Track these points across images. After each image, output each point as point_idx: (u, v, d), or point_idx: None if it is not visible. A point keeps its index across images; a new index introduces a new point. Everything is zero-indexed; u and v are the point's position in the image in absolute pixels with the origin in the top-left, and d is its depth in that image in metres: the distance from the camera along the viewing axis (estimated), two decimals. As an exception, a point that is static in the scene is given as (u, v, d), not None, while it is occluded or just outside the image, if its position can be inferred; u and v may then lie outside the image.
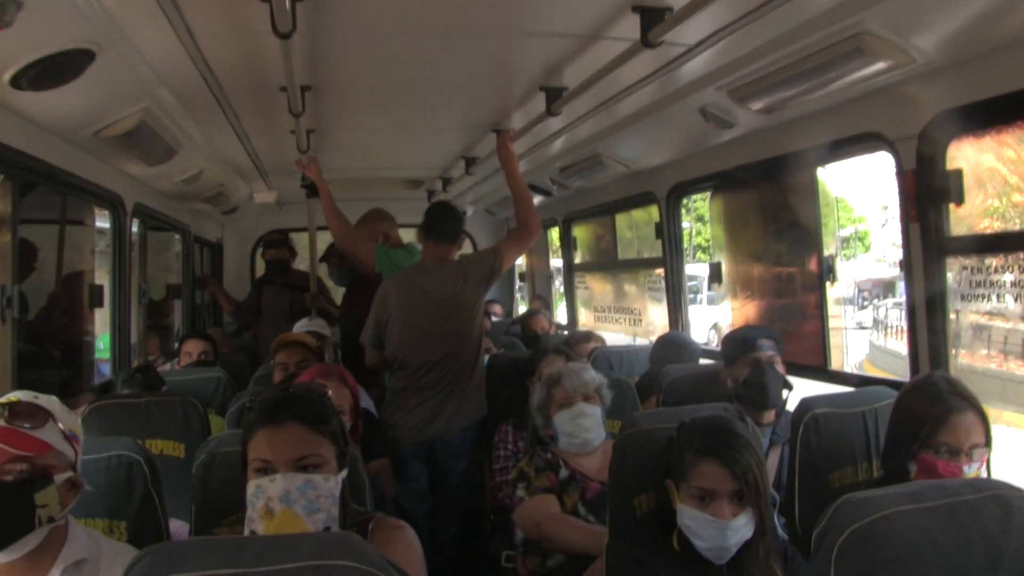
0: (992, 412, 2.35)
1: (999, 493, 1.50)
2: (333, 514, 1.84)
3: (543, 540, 2.90)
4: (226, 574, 1.13)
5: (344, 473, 1.91)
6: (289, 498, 1.78)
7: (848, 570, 1.38)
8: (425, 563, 1.96)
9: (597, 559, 2.68)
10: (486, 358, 4.74)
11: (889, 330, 20.15)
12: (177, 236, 6.23)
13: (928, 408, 2.26)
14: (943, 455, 2.21)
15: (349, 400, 3.03)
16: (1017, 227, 2.64)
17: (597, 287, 6.58)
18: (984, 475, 2.20)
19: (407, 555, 1.91)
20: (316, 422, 1.89)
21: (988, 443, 2.23)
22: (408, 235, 6.18)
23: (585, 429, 3.06)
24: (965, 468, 2.18)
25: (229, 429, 3.15)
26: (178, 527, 2.48)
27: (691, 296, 5.33)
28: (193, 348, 4.80)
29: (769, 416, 3.20)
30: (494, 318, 7.17)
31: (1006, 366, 2.71)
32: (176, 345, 5.69)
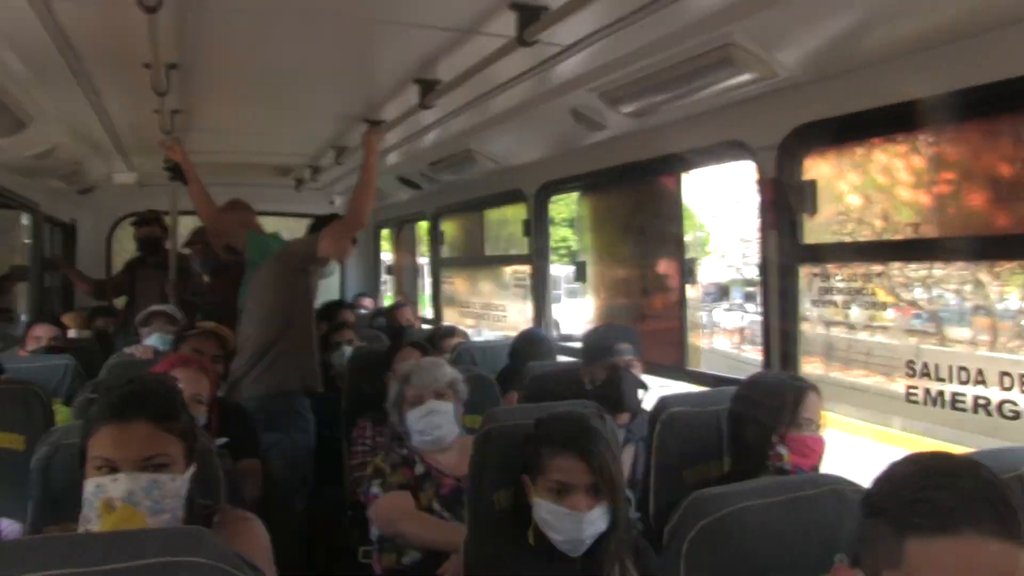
0: (833, 417, 2.52)
1: (836, 487, 1.58)
2: (178, 514, 1.74)
3: (398, 537, 2.88)
4: (66, 574, 1.07)
5: (192, 470, 1.84)
6: (133, 499, 1.69)
7: (698, 562, 1.42)
8: (272, 554, 1.91)
9: (452, 555, 2.69)
10: (348, 351, 4.73)
11: (716, 331, 20.89)
12: (25, 215, 5.88)
13: (784, 393, 2.39)
14: (808, 429, 2.36)
15: (208, 390, 2.93)
16: (862, 239, 2.79)
17: (464, 282, 6.59)
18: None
19: (254, 547, 1.85)
20: (165, 419, 1.78)
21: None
22: (273, 224, 6.05)
23: (436, 427, 3.03)
24: (819, 439, 2.37)
25: (76, 420, 3.00)
26: (7, 526, 2.33)
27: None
28: (43, 333, 4.56)
29: (625, 417, 3.28)
30: (362, 311, 7.09)
31: (848, 373, 2.86)
32: (19, 330, 5.38)
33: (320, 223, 4.40)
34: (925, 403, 2.51)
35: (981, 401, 2.35)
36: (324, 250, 4.17)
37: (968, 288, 2.63)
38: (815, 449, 2.35)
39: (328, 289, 7.30)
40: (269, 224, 5.44)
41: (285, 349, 4.15)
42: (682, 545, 1.44)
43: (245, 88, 4.02)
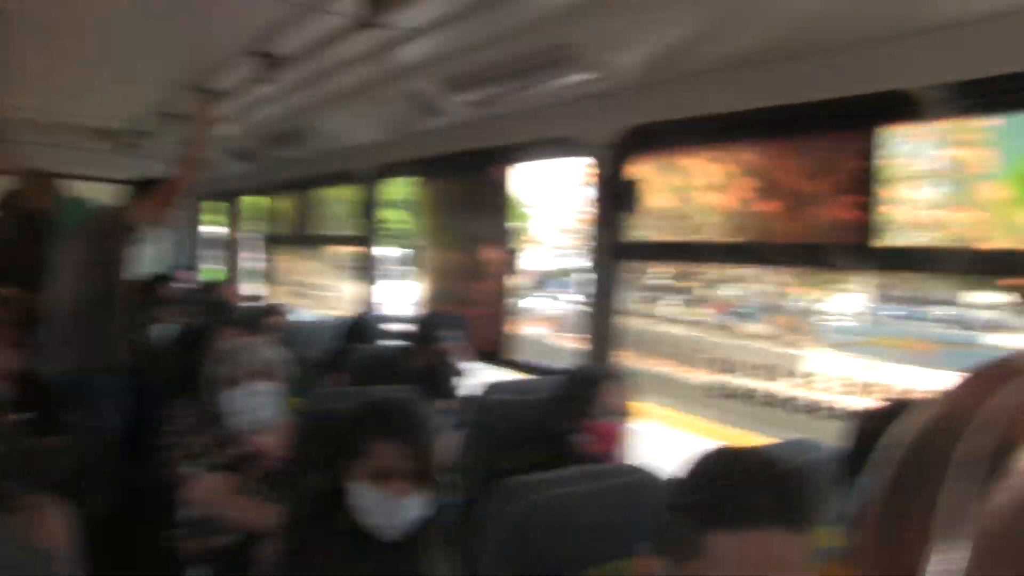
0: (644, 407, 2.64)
1: (641, 477, 1.67)
2: None
3: (213, 518, 2.81)
4: None
5: None
6: None
7: (508, 548, 1.47)
8: (74, 537, 1.83)
9: (268, 538, 2.64)
10: (162, 328, 4.61)
11: (534, 319, 21.25)
12: None
13: (587, 382, 2.51)
14: (605, 416, 2.45)
15: (11, 362, 2.77)
16: (678, 239, 2.94)
17: (293, 261, 6.46)
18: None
19: (53, 531, 1.77)
20: None
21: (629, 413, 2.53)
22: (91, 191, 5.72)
23: (256, 407, 2.95)
24: (621, 427, 2.47)
25: None
26: None
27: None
28: None
29: (445, 403, 3.32)
30: (183, 285, 6.82)
31: (659, 365, 3.02)
32: None
33: (139, 189, 4.21)
34: (726, 397, 2.67)
35: (772, 396, 2.53)
36: (138, 217, 3.99)
37: (771, 289, 2.83)
38: (612, 436, 2.46)
39: (148, 262, 6.99)
40: (87, 191, 5.15)
41: (96, 322, 3.95)
42: (493, 531, 1.48)
43: (66, 43, 3.78)
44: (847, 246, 2.43)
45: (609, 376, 2.54)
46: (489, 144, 3.76)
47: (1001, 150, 2.55)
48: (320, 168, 5.46)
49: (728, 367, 2.67)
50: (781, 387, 2.52)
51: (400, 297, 5.60)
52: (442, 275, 4.53)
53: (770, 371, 2.59)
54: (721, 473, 1.18)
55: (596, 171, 3.04)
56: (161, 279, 6.16)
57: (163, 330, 4.68)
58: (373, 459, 2.11)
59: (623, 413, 2.50)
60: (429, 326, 3.40)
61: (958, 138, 2.60)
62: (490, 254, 4.09)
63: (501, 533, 1.48)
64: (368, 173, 4.86)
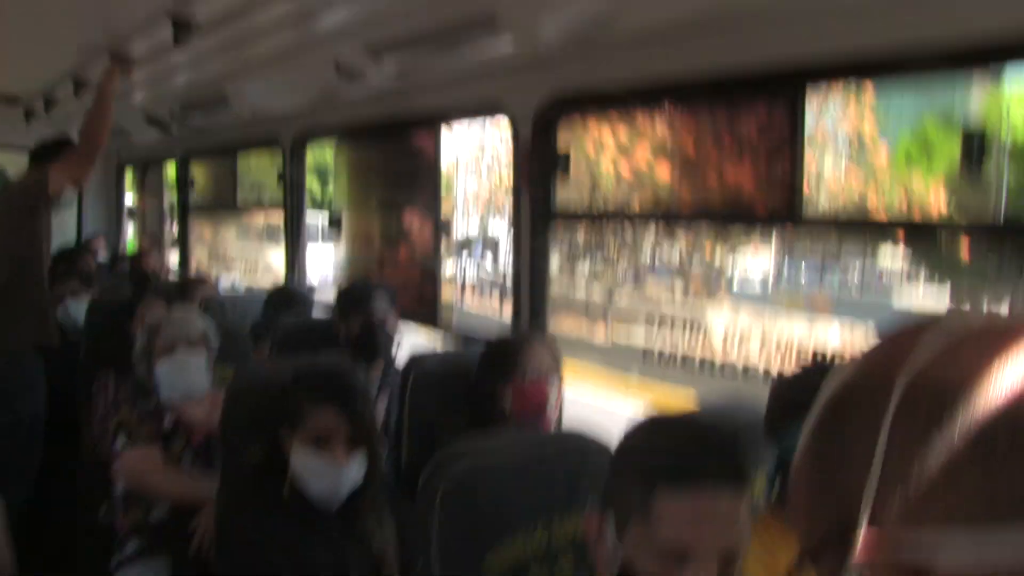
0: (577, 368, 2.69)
1: (580, 443, 1.71)
2: None
3: (146, 492, 2.78)
4: None
5: None
6: None
7: (450, 514, 1.50)
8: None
9: (203, 510, 2.63)
10: (75, 304, 4.51)
11: (459, 285, 21.26)
12: None
13: (512, 345, 2.54)
14: (533, 376, 2.48)
15: None
16: (604, 204, 2.99)
17: (215, 230, 6.34)
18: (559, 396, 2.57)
19: None
20: None
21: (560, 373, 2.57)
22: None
23: (186, 379, 2.92)
24: (548, 387, 2.49)
25: None
26: None
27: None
28: None
29: (378, 370, 3.32)
30: (100, 258, 6.64)
31: (586, 331, 3.08)
32: None
33: (43, 152, 4.06)
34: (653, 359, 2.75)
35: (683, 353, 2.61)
36: (55, 184, 3.85)
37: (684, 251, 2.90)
38: (537, 397, 2.48)
39: (65, 231, 6.80)
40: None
41: (14, 301, 3.82)
42: (434, 500, 1.51)
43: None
44: (768, 209, 2.51)
45: (535, 337, 2.58)
46: (413, 110, 3.75)
47: (890, 120, 2.69)
48: (242, 134, 5.36)
49: (642, 325, 2.74)
50: (691, 344, 2.60)
51: (324, 264, 5.55)
52: (365, 242, 4.51)
53: (681, 328, 2.67)
54: (666, 435, 1.23)
55: (522, 137, 3.06)
56: (80, 250, 6.00)
57: (71, 308, 4.57)
58: (311, 425, 2.12)
59: (551, 373, 2.53)
60: (358, 294, 3.38)
61: (854, 111, 2.73)
62: (414, 220, 4.09)
63: (445, 501, 1.51)
64: (290, 139, 4.79)
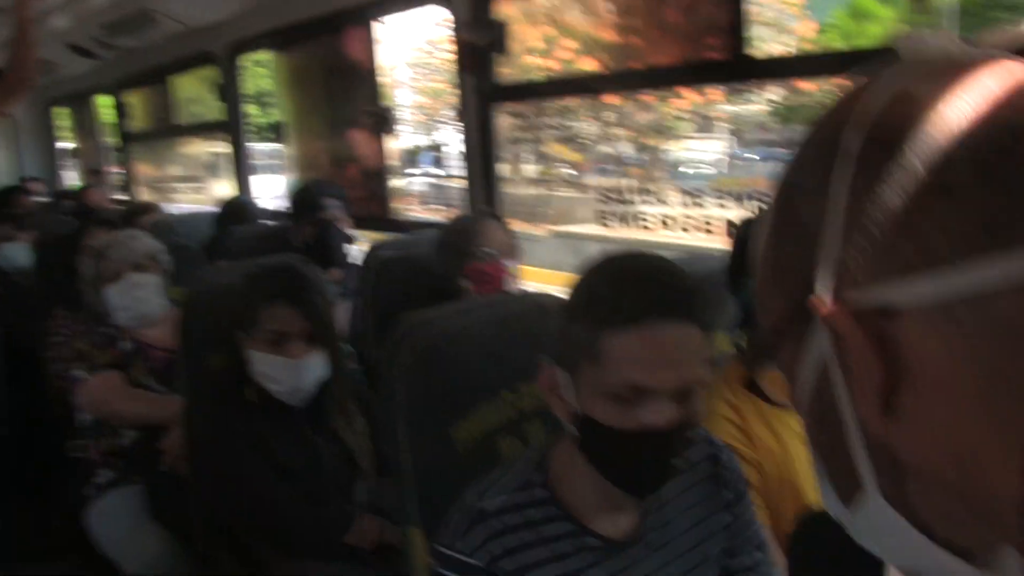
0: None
1: (540, 301, 1.67)
2: None
3: (112, 417, 2.73)
4: None
5: None
6: None
7: (415, 383, 1.46)
8: None
9: (170, 429, 2.60)
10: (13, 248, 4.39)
11: (400, 199, 20.90)
12: None
13: (466, 227, 2.46)
14: (487, 258, 2.43)
15: None
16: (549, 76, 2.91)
17: (157, 157, 6.16)
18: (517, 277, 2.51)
19: None
20: None
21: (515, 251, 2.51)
22: None
23: (140, 301, 2.84)
24: (506, 263, 2.44)
25: None
26: None
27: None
28: None
29: (336, 273, 3.27)
30: (35, 197, 6.43)
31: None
32: None
33: None
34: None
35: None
36: None
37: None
38: (494, 276, 2.43)
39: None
40: None
41: None
42: (399, 370, 1.47)
43: None
44: (719, 61, 2.44)
45: (489, 217, 2.52)
46: (345, 3, 3.60)
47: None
48: (175, 54, 5.15)
49: (585, 220, 2.70)
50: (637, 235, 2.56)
51: (271, 193, 5.44)
52: (311, 164, 4.40)
53: (624, 221, 2.63)
54: (610, 274, 1.19)
55: (461, 16, 2.95)
56: (14, 191, 5.81)
57: (21, 247, 4.44)
58: (267, 324, 2.07)
59: (507, 253, 2.48)
60: (309, 195, 3.29)
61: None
62: (358, 137, 3.98)
63: (409, 369, 1.47)
64: (224, 51, 4.61)
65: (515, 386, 1.58)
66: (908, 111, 0.48)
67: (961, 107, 0.46)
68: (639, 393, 1.14)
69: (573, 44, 2.80)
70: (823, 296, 0.49)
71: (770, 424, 1.73)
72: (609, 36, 2.72)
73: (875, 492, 0.51)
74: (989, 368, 0.43)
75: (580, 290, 1.22)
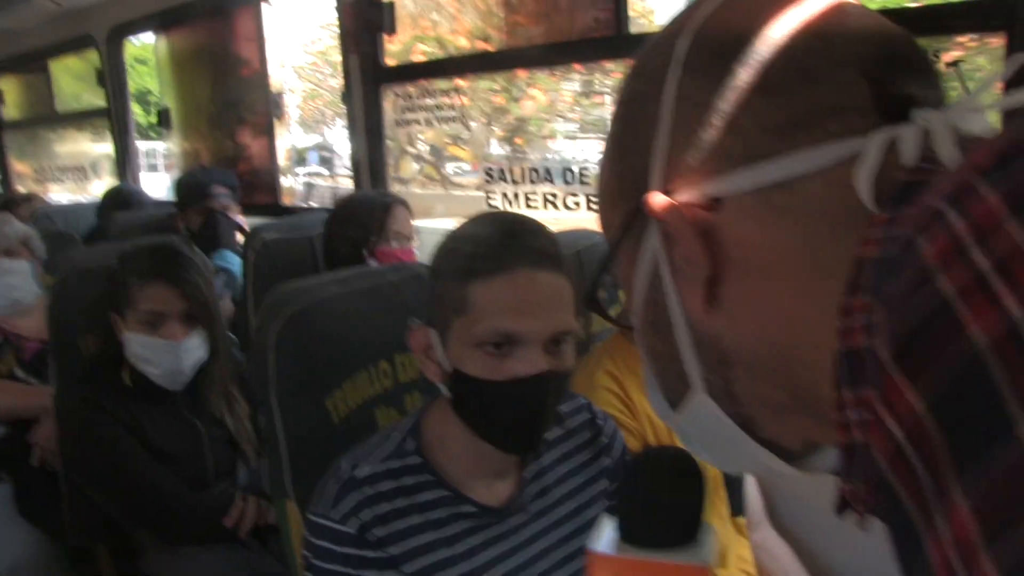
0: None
1: (417, 272, 1.65)
2: None
3: None
4: None
5: None
6: None
7: (287, 351, 1.42)
8: None
9: (43, 418, 2.48)
10: None
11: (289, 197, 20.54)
12: None
13: (372, 208, 2.41)
14: (397, 242, 2.40)
15: None
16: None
17: (35, 145, 5.89)
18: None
19: None
20: None
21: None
22: None
23: (10, 288, 2.71)
24: (414, 249, 2.44)
25: None
26: None
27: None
28: None
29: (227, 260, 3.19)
30: None
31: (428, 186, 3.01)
32: None
33: None
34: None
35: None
36: None
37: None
38: (403, 260, 2.40)
39: None
40: None
41: None
42: (271, 338, 1.43)
43: None
44: (603, 39, 2.47)
45: (394, 201, 2.47)
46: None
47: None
48: (50, 37, 4.94)
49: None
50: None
51: (154, 191, 5.28)
52: (201, 132, 4.28)
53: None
54: (475, 229, 1.19)
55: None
56: None
57: None
58: (143, 306, 2.00)
59: (410, 239, 2.46)
60: (198, 182, 3.19)
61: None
62: (246, 125, 3.89)
63: (281, 337, 1.43)
64: (104, 33, 4.44)
65: (392, 356, 1.57)
66: (732, 18, 0.52)
67: (779, 14, 0.50)
68: (509, 342, 1.14)
69: (464, 26, 2.77)
70: (655, 195, 0.52)
71: (651, 394, 1.75)
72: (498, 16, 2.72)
73: (701, 390, 0.54)
74: (803, 249, 0.47)
75: (446, 246, 1.22)
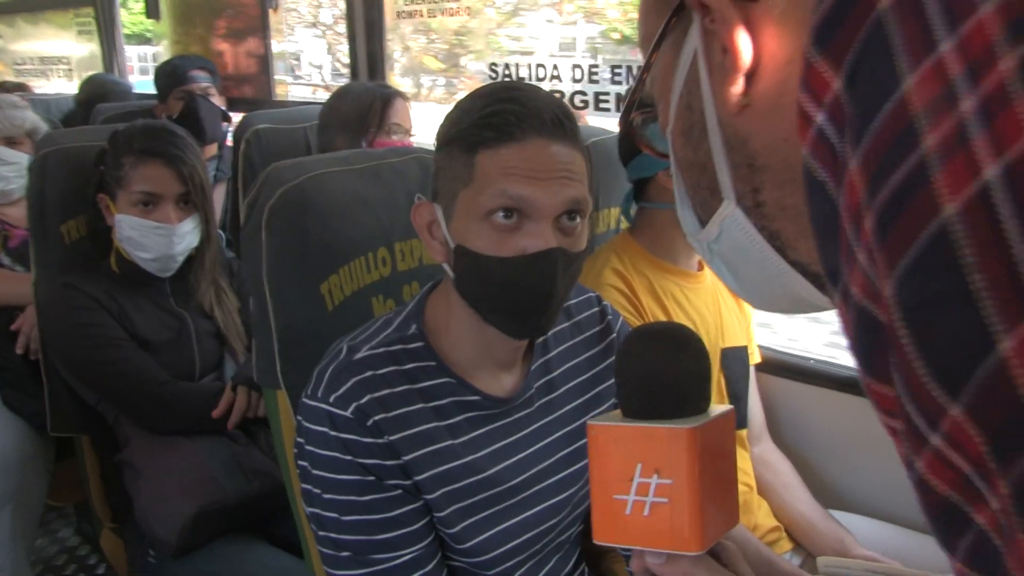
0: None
1: (420, 155, 1.57)
2: None
3: None
4: None
5: None
6: None
7: (280, 228, 1.34)
8: None
9: (25, 309, 2.41)
10: None
11: None
12: None
13: (371, 100, 2.31)
14: (397, 134, 2.31)
15: None
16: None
17: (15, 33, 5.65)
18: None
19: None
20: None
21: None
22: None
23: (3, 179, 2.64)
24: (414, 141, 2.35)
25: None
26: None
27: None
28: None
29: (211, 150, 3.09)
30: None
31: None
32: None
33: None
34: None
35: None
36: None
37: None
38: None
39: None
40: None
41: None
42: (263, 214, 1.34)
43: None
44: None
45: (393, 93, 2.37)
46: None
47: None
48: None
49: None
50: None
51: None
52: (191, 23, 4.10)
53: None
54: (484, 99, 1.10)
55: None
56: None
57: None
58: (137, 186, 1.91)
59: (408, 132, 2.37)
60: (175, 68, 3.07)
61: None
62: (239, 49, 3.75)
63: (274, 214, 1.34)
64: None
65: (391, 244, 1.49)
66: None
67: None
68: (518, 213, 1.06)
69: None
70: None
71: (659, 297, 1.70)
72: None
73: (733, 202, 0.53)
74: None
75: (453, 115, 1.14)
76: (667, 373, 0.79)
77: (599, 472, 0.77)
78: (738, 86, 0.49)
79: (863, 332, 0.38)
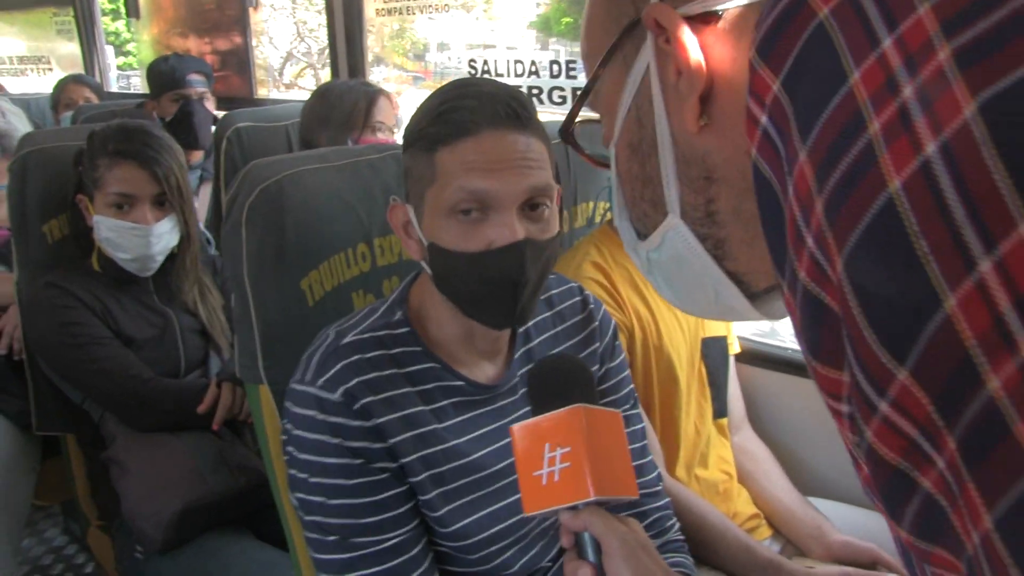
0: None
1: (396, 152, 1.57)
2: None
3: None
4: None
5: None
6: None
7: (258, 224, 1.35)
8: None
9: (8, 309, 2.42)
10: None
11: None
12: None
13: (356, 98, 2.31)
14: (381, 132, 2.32)
15: None
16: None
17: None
18: None
19: None
20: None
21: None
22: None
23: None
24: (398, 138, 2.32)
25: None
26: None
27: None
28: None
29: (198, 154, 3.08)
30: None
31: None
32: None
33: None
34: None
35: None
36: None
37: None
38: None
39: None
40: None
41: None
42: (242, 211, 1.36)
43: None
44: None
45: (377, 91, 2.37)
46: None
47: None
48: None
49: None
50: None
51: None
52: (178, 24, 4.09)
53: None
54: (440, 98, 1.13)
55: None
56: None
57: None
58: (113, 187, 1.92)
59: (392, 130, 2.38)
60: (171, 70, 3.06)
61: None
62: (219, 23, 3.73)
63: (253, 210, 1.35)
64: None
65: (371, 239, 1.50)
66: None
67: None
68: (480, 207, 1.08)
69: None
70: (657, 5, 0.52)
71: (639, 288, 1.72)
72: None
73: (677, 213, 0.55)
74: None
75: (414, 117, 1.16)
76: (555, 363, 1.04)
77: (523, 462, 0.93)
78: (695, 109, 0.51)
79: (809, 317, 0.41)
